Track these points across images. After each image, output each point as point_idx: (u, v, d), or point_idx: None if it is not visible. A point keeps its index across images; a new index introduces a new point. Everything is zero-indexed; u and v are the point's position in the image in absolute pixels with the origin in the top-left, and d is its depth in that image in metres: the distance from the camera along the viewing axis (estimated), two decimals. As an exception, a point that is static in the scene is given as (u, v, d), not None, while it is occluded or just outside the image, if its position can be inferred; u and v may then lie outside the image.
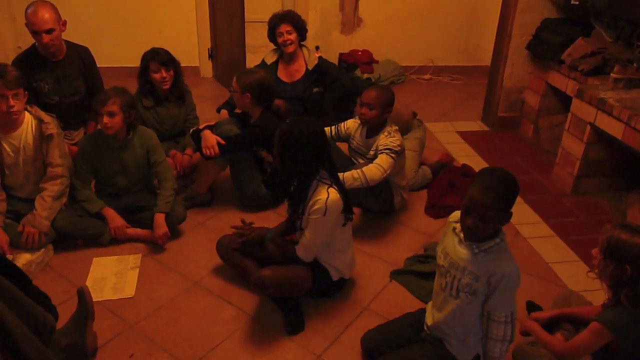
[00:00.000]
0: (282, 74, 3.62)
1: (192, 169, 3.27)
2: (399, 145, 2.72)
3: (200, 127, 3.03)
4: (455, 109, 4.76)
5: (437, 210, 3.11)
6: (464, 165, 3.59)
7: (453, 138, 4.14)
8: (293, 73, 3.62)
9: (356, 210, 2.78)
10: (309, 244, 2.22)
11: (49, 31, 2.89)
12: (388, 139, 2.73)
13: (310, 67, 3.61)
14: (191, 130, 3.09)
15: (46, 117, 2.63)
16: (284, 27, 3.47)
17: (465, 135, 4.18)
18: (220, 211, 3.07)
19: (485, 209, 1.63)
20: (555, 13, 3.91)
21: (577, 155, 3.28)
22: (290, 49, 3.52)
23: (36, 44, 3.01)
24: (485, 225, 1.66)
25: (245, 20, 4.42)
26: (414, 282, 2.52)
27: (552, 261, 2.74)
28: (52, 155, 2.61)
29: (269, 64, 3.62)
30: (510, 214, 1.69)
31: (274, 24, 3.51)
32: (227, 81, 4.69)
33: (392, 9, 5.24)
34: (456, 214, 1.83)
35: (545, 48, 3.75)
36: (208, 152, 2.86)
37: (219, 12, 4.82)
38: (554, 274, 2.64)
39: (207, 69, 5.23)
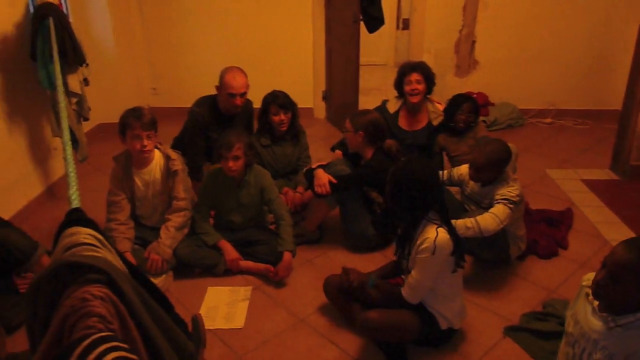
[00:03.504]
0: (402, 122, 3.54)
1: (303, 206, 3.35)
2: (517, 196, 2.57)
3: (313, 166, 3.11)
4: (580, 155, 4.44)
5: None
6: (568, 209, 3.43)
7: (577, 186, 3.85)
8: (414, 123, 3.53)
9: (468, 258, 2.66)
10: (415, 284, 2.15)
11: (243, 94, 3.21)
12: (506, 188, 2.60)
13: (434, 123, 3.50)
14: (304, 169, 3.19)
15: (173, 154, 2.85)
16: (415, 76, 3.39)
17: (591, 184, 3.87)
18: (328, 249, 3.10)
19: (618, 268, 1.48)
20: (700, 53, 3.56)
21: None
22: (416, 99, 3.42)
23: (218, 99, 3.31)
24: (615, 287, 1.50)
25: (360, 64, 4.54)
26: (531, 341, 2.33)
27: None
28: (177, 190, 2.82)
29: (391, 112, 3.55)
30: None
31: (405, 71, 3.44)
32: (340, 122, 4.81)
33: (510, 50, 5.09)
34: (590, 276, 1.67)
35: (687, 91, 3.41)
36: (320, 190, 2.92)
37: (335, 56, 5.00)
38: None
39: (320, 110, 5.40)
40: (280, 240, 2.82)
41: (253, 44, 5.17)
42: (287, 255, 2.77)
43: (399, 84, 3.51)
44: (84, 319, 0.88)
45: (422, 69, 3.43)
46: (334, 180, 2.92)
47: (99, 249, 1.09)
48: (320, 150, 4.20)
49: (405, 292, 2.19)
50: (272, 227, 3.04)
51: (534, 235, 3.04)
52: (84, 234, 1.11)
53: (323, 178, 2.93)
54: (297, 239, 3.04)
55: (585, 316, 1.64)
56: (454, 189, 3.02)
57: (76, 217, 1.17)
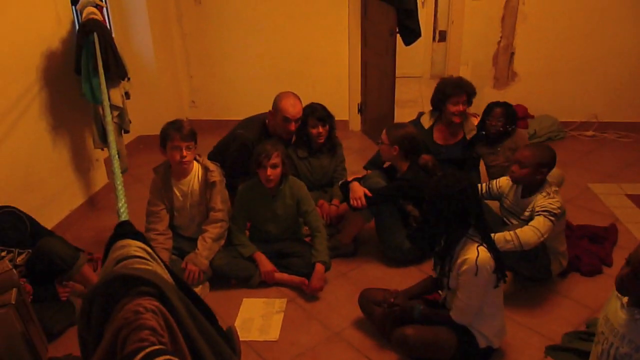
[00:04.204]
0: (437, 136, 3.47)
1: (339, 219, 3.33)
2: (559, 208, 2.50)
3: (349, 179, 3.10)
4: (625, 169, 4.29)
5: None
6: (612, 225, 3.32)
7: (622, 202, 3.71)
8: (449, 137, 3.45)
9: (508, 274, 2.58)
10: (464, 306, 2.11)
11: (298, 120, 3.20)
12: (547, 199, 2.53)
13: (468, 137, 3.43)
14: (340, 182, 3.18)
15: (211, 166, 2.89)
16: (462, 98, 3.28)
17: (637, 199, 3.72)
18: (363, 263, 3.07)
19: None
20: None
21: None
22: (460, 119, 3.36)
23: (268, 122, 3.26)
24: (639, 283, 1.51)
25: (396, 76, 4.52)
26: (574, 361, 2.25)
27: None
28: (214, 201, 2.85)
29: (426, 127, 3.46)
30: None
31: (451, 92, 3.29)
32: (375, 135, 4.79)
33: (551, 62, 4.97)
34: None
35: None
36: (355, 203, 2.90)
37: (370, 69, 5.00)
38: None
39: (355, 123, 5.39)
40: (314, 251, 2.81)
41: (289, 57, 5.22)
42: (319, 267, 2.76)
43: (440, 102, 3.39)
44: (136, 331, 0.89)
45: (467, 88, 3.32)
46: (369, 194, 2.90)
47: (148, 262, 1.11)
48: (355, 162, 4.18)
49: (455, 315, 2.16)
50: (308, 239, 3.04)
51: (577, 251, 2.95)
52: (134, 246, 1.13)
53: (359, 191, 2.91)
54: (332, 252, 3.02)
55: (615, 312, 1.66)
56: (493, 204, 2.96)
57: (125, 230, 1.19)
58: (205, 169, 2.86)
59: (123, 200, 1.32)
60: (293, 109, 3.14)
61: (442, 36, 7.12)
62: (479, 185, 2.90)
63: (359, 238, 3.22)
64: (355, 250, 3.16)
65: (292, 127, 3.17)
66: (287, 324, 2.57)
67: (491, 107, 3.31)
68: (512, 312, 2.56)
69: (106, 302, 0.99)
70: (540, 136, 4.84)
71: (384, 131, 2.99)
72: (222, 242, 2.88)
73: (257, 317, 2.62)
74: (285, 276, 2.86)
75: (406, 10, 4.19)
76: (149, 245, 1.19)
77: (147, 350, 0.86)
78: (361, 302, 2.50)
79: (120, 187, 1.36)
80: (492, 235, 2.32)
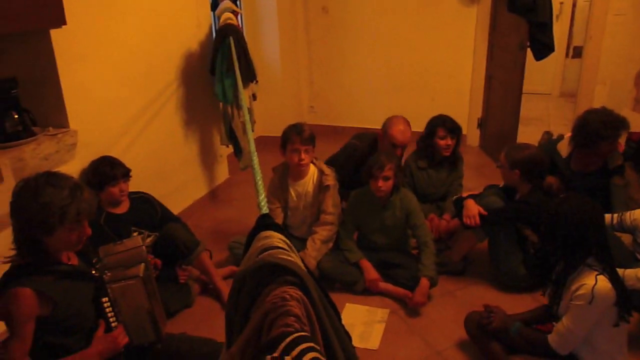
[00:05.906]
0: (575, 163, 3.01)
1: (449, 234, 3.24)
2: None
3: (464, 194, 3.00)
4: None
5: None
6: None
7: None
8: (589, 163, 2.97)
9: (635, 314, 2.34)
10: (566, 333, 1.96)
11: (404, 147, 3.20)
12: (691, 238, 2.26)
13: (611, 167, 2.94)
14: (454, 197, 3.09)
15: (327, 170, 2.95)
16: (622, 139, 2.81)
17: None
18: (471, 283, 2.96)
19: None
20: None
21: None
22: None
23: (379, 140, 3.27)
24: None
25: (522, 92, 4.31)
26: None
27: None
28: (326, 204, 2.91)
29: (564, 156, 3.04)
30: None
31: (608, 135, 2.77)
32: (494, 151, 4.60)
33: None
34: None
35: None
36: (468, 221, 2.81)
37: (494, 83, 4.81)
38: None
39: (473, 138, 5.22)
40: (420, 265, 2.76)
41: (410, 68, 5.19)
42: (424, 281, 2.70)
43: (592, 142, 2.84)
44: (282, 317, 0.94)
45: (626, 127, 2.83)
46: (484, 212, 2.79)
47: (290, 253, 1.17)
48: (471, 179, 4.04)
49: (552, 340, 2.01)
50: (415, 252, 2.99)
51: None
52: (276, 238, 1.21)
53: (473, 209, 2.81)
54: (440, 268, 2.94)
55: None
56: (626, 237, 2.70)
57: (267, 222, 1.27)
58: (321, 172, 2.94)
59: (263, 194, 1.40)
60: (402, 136, 3.12)
61: (577, 52, 6.66)
62: (612, 215, 2.64)
63: (470, 257, 3.11)
64: (464, 269, 3.05)
65: (398, 152, 3.13)
66: (388, 335, 2.55)
67: None
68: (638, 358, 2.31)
69: (255, 287, 1.06)
70: (686, 167, 4.33)
71: (503, 154, 2.84)
72: (330, 244, 2.93)
73: (358, 323, 2.62)
74: (389, 286, 2.84)
75: (540, 23, 3.98)
76: (289, 239, 1.25)
77: (295, 335, 0.90)
78: (467, 324, 2.40)
79: (260, 182, 1.44)
80: (622, 270, 2.13)
